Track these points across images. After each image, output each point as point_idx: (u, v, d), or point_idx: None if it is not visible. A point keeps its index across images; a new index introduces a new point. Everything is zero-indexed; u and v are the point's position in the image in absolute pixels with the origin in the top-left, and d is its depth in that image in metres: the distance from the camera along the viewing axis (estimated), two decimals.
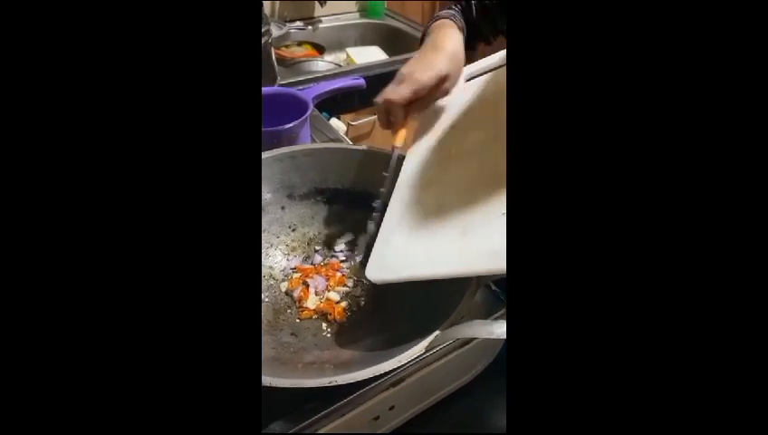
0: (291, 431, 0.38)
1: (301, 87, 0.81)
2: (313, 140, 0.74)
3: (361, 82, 0.78)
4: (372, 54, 1.13)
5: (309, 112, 0.62)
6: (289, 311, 0.47)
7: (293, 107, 0.64)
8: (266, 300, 0.48)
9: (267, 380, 0.32)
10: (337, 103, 0.91)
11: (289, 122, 0.59)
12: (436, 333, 0.34)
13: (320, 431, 0.39)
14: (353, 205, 0.53)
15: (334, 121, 0.96)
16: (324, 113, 0.91)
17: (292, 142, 0.61)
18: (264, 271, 0.50)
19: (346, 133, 0.97)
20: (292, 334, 0.45)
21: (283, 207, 0.52)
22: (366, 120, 1.05)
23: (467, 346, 0.45)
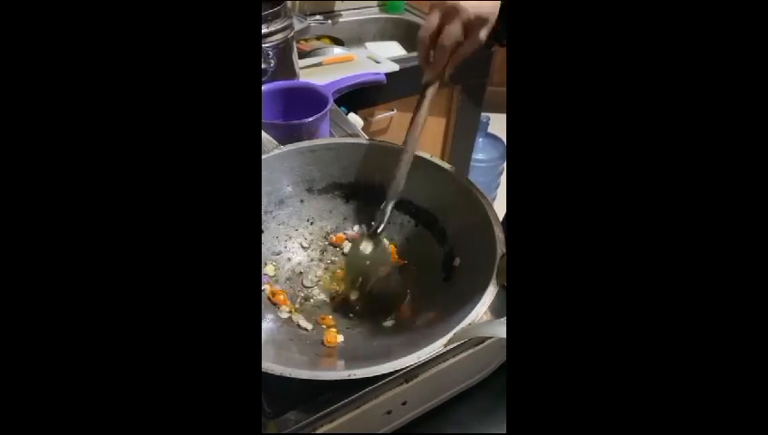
0: (306, 421, 0.38)
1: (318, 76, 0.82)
2: (332, 135, 0.74)
3: (382, 76, 0.78)
4: (391, 50, 1.13)
5: (329, 106, 0.62)
6: (306, 302, 0.48)
7: (314, 101, 0.64)
8: (288, 291, 0.48)
9: (287, 371, 0.32)
10: (355, 98, 0.91)
11: (309, 116, 0.59)
12: (455, 330, 0.34)
13: (334, 422, 0.39)
14: (371, 200, 0.53)
15: (352, 116, 0.96)
16: (342, 108, 0.91)
17: (311, 136, 0.61)
18: (283, 262, 0.50)
19: (363, 129, 0.97)
20: (309, 325, 0.45)
21: (302, 201, 0.53)
22: (383, 115, 1.05)
23: (480, 345, 0.45)
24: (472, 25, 0.44)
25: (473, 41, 0.45)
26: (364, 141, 0.53)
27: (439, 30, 0.44)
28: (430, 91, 0.49)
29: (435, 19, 0.44)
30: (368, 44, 1.17)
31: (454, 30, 0.43)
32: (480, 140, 1.46)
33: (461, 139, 1.23)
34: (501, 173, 1.57)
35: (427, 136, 1.19)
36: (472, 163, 1.37)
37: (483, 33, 0.45)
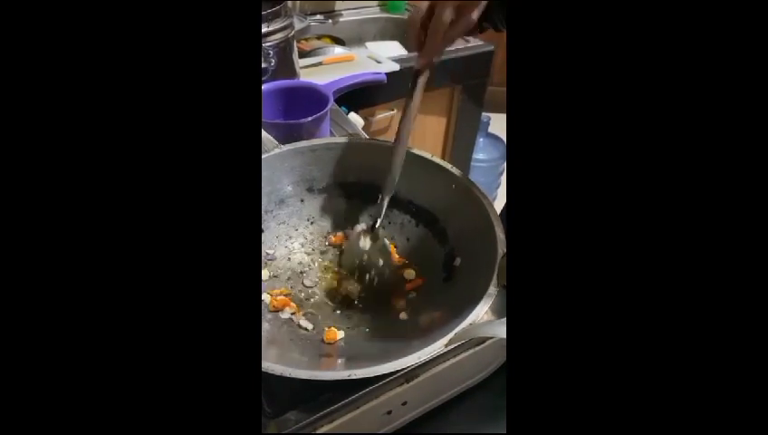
0: (306, 421, 0.38)
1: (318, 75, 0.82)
2: (332, 134, 0.74)
3: (382, 76, 0.77)
4: (392, 49, 1.13)
5: (330, 106, 0.62)
6: (307, 302, 0.48)
7: (314, 100, 0.64)
8: (291, 290, 0.48)
9: (287, 370, 0.32)
10: (356, 98, 0.91)
11: (309, 115, 0.59)
12: (456, 330, 0.34)
13: (334, 422, 0.39)
14: (372, 200, 0.53)
15: (353, 116, 0.96)
16: (343, 108, 0.91)
17: (312, 135, 0.61)
18: (283, 263, 0.50)
19: (364, 128, 0.97)
20: (309, 325, 0.45)
21: (302, 200, 0.52)
22: (384, 115, 1.05)
23: (480, 346, 0.45)
24: (463, 6, 0.43)
25: (464, 22, 0.44)
26: (364, 141, 0.53)
27: (430, 13, 0.44)
28: (421, 81, 0.49)
29: (425, 2, 0.44)
30: (368, 44, 1.17)
31: (445, 13, 0.43)
32: (480, 139, 1.46)
33: (461, 139, 1.23)
34: (501, 173, 1.57)
35: (427, 136, 1.19)
36: (472, 163, 1.37)
37: (475, 14, 0.44)
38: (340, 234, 0.53)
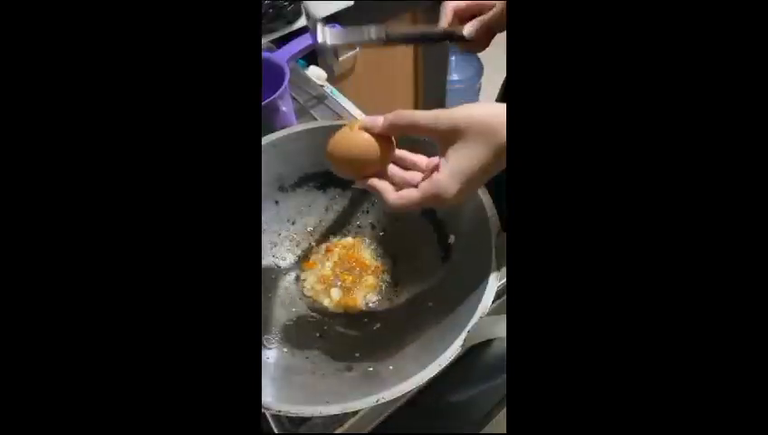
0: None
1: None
2: (295, 101, 0.68)
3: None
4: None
5: (286, 81, 0.55)
6: (304, 310, 0.46)
7: (267, 75, 0.57)
8: (286, 300, 0.46)
9: (318, 410, 0.31)
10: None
11: (265, 97, 0.53)
12: (468, 327, 0.33)
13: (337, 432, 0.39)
14: (348, 185, 0.49)
15: (312, 70, 0.87)
16: (300, 62, 0.83)
17: (272, 120, 0.55)
18: (276, 272, 0.48)
19: (328, 79, 0.89)
20: (314, 341, 0.44)
21: (276, 202, 0.48)
22: (346, 56, 0.95)
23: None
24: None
25: None
26: (326, 124, 0.48)
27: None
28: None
29: None
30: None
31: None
32: (453, 59, 1.36)
33: (432, 61, 1.14)
34: (479, 91, 1.49)
35: (396, 66, 1.10)
36: (447, 86, 1.29)
37: None
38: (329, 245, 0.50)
